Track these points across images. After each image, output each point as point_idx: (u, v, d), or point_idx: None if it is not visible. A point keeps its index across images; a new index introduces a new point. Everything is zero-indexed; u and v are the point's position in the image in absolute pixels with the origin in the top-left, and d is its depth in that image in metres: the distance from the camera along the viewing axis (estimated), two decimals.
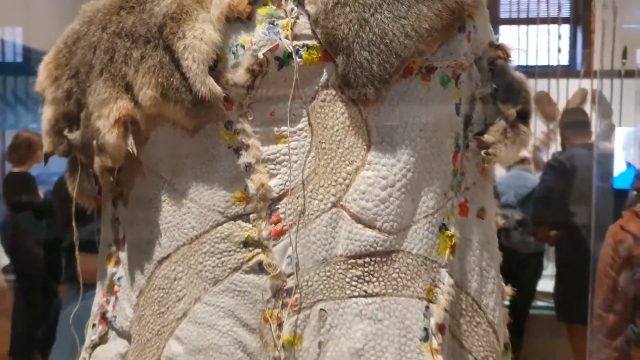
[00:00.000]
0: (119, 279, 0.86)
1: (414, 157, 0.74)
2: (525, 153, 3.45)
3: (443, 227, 0.76)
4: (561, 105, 4.61)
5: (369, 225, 0.74)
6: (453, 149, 0.77)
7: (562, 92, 4.52)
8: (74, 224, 0.84)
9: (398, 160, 0.74)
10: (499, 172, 3.75)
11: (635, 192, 2.45)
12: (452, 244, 0.76)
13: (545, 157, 4.62)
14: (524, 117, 0.79)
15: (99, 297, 0.88)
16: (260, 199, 0.75)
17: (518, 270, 3.11)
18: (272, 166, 0.75)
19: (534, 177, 3.38)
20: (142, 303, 0.81)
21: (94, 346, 0.86)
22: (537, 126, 4.69)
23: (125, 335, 0.85)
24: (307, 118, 0.75)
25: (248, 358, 0.75)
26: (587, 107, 4.25)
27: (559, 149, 4.54)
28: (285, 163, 0.75)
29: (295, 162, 0.75)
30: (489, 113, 0.79)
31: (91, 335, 0.87)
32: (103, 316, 0.86)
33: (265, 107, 0.75)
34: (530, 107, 0.80)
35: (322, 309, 0.74)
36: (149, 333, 0.80)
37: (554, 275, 3.47)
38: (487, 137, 0.77)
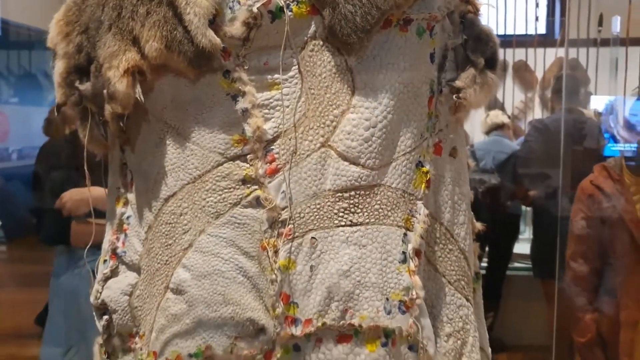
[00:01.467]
0: (127, 217, 0.94)
1: (394, 100, 0.83)
2: (505, 119, 3.56)
3: (419, 164, 0.86)
4: (539, 74, 4.72)
5: (354, 162, 0.83)
6: (428, 94, 0.87)
7: (540, 60, 4.63)
8: (86, 169, 0.92)
9: (379, 104, 0.83)
10: (479, 137, 3.86)
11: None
12: (427, 179, 0.86)
13: (524, 125, 4.74)
14: (491, 65, 0.88)
15: (109, 235, 0.97)
16: (256, 140, 0.84)
17: (495, 233, 3.25)
18: (266, 111, 0.84)
19: (511, 143, 3.50)
20: (151, 237, 0.90)
21: (106, 279, 0.95)
22: (516, 95, 4.80)
23: (135, 268, 0.94)
24: (297, 67, 0.83)
25: (248, 281, 0.85)
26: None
27: (537, 116, 4.66)
28: (278, 108, 0.84)
29: (287, 106, 0.84)
30: (460, 61, 0.88)
31: (103, 269, 0.95)
32: (113, 252, 0.95)
33: (260, 57, 0.83)
34: (497, 56, 0.89)
35: (313, 237, 0.84)
36: (157, 263, 0.89)
37: (531, 238, 3.63)
38: (458, 83, 0.87)
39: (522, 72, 4.75)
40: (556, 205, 2.74)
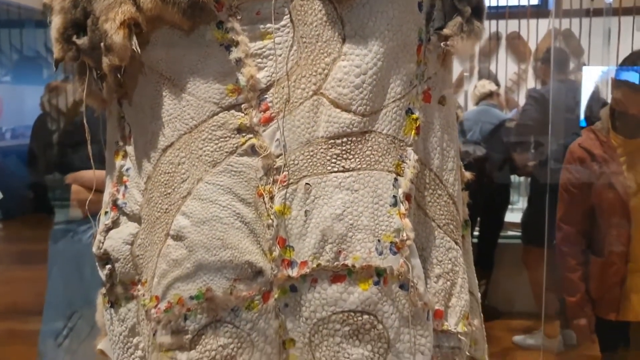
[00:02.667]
0: (127, 170, 0.97)
1: (383, 47, 0.86)
2: (492, 87, 3.58)
3: (409, 111, 0.89)
4: (532, 45, 4.73)
5: (345, 109, 0.86)
6: (417, 42, 0.89)
7: (533, 32, 4.64)
8: (85, 123, 0.94)
9: (369, 51, 0.85)
10: (468, 107, 3.89)
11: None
12: (417, 125, 0.89)
13: (517, 97, 4.77)
14: (477, 13, 0.91)
15: (109, 188, 1.00)
16: (250, 89, 0.87)
17: (485, 203, 3.30)
18: (259, 60, 0.87)
19: (500, 112, 3.53)
20: (150, 187, 0.93)
21: (108, 230, 0.98)
22: (509, 66, 4.82)
23: (135, 218, 0.97)
24: (289, 16, 0.86)
25: (245, 227, 0.88)
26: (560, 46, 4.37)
27: (530, 87, 4.67)
28: (271, 57, 0.86)
29: (280, 55, 0.86)
30: (447, 10, 0.90)
31: (104, 220, 0.98)
32: (114, 203, 0.98)
33: (252, 7, 0.86)
34: (483, 5, 0.91)
35: (307, 183, 0.87)
36: (157, 212, 0.92)
37: (523, 208, 3.69)
38: (445, 31, 0.89)
39: (516, 43, 4.76)
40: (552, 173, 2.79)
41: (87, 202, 1.07)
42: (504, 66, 4.68)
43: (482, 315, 1.06)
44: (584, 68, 4.01)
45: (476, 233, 3.45)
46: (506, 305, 3.55)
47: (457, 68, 4.65)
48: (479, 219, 3.44)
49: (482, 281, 3.41)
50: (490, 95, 3.52)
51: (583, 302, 2.14)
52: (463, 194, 1.02)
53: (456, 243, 0.95)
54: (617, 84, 2.07)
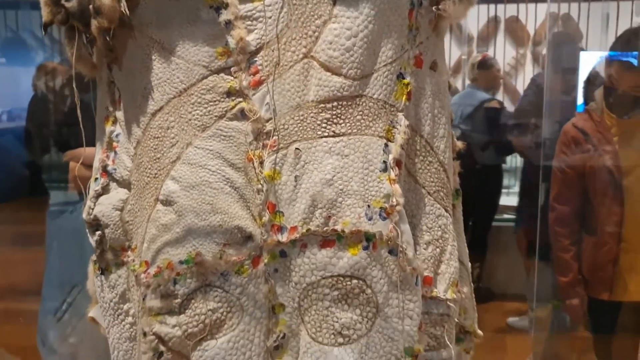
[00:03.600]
0: (116, 135, 0.97)
1: (374, 10, 0.85)
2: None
3: (400, 76, 0.88)
4: (531, 30, 4.71)
5: (336, 72, 0.85)
6: (409, 6, 0.88)
7: (532, 16, 4.61)
8: (75, 87, 0.93)
9: (360, 13, 0.84)
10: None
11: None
12: (408, 91, 0.89)
13: (515, 82, 4.76)
14: None
15: (99, 154, 1.00)
16: (240, 52, 0.86)
17: (478, 185, 3.30)
18: (249, 22, 0.86)
19: (482, 94, 3.49)
20: (140, 152, 0.93)
21: (98, 196, 0.98)
22: (507, 51, 4.80)
23: (125, 184, 0.97)
24: None
25: (235, 192, 0.88)
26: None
27: (529, 73, 4.66)
28: (260, 19, 0.85)
29: (270, 17, 0.85)
30: None
31: (94, 187, 0.98)
32: (104, 169, 0.97)
33: None
34: None
35: (297, 148, 0.87)
36: (147, 177, 0.92)
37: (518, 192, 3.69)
38: None
39: (514, 27, 4.74)
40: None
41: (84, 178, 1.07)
42: (502, 50, 4.67)
43: (472, 284, 1.06)
44: (582, 53, 4.00)
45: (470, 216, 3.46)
46: (500, 287, 3.57)
47: (455, 52, 4.64)
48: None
49: (475, 264, 3.41)
50: (474, 80, 3.50)
51: (575, 282, 2.15)
52: (454, 163, 1.02)
53: (446, 210, 0.95)
54: (610, 61, 2.07)
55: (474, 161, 3.24)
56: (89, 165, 1.07)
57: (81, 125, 0.94)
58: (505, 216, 3.63)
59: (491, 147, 3.28)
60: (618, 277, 2.06)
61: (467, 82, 3.77)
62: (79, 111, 0.93)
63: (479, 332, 1.06)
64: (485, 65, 3.54)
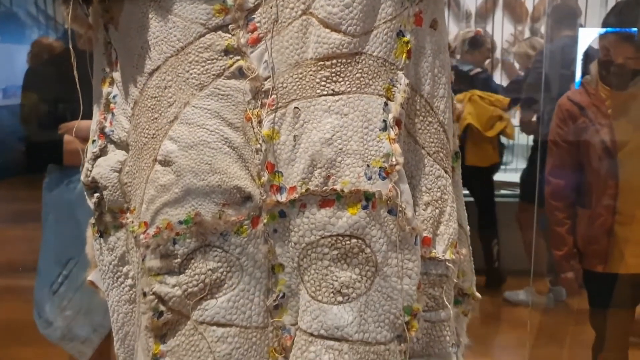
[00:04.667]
0: (114, 97, 0.96)
1: None
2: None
3: (400, 34, 0.87)
4: (529, 6, 4.68)
5: (335, 29, 0.84)
6: None
7: None
8: (70, 47, 0.92)
9: None
10: None
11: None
12: (408, 49, 0.88)
13: (512, 59, 4.73)
14: None
15: (96, 116, 0.99)
16: (238, 9, 0.85)
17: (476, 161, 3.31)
18: None
19: (466, 65, 3.45)
20: (137, 113, 0.92)
21: (96, 158, 0.97)
22: (506, 28, 4.77)
23: (123, 146, 0.96)
24: None
25: (234, 152, 0.87)
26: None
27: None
28: None
29: None
30: None
31: (92, 149, 0.98)
32: (102, 131, 0.97)
33: None
34: None
35: (296, 107, 0.86)
36: (144, 138, 0.91)
37: (517, 168, 3.70)
38: None
39: (512, 4, 4.70)
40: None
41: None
42: (501, 27, 4.63)
43: (470, 247, 1.07)
44: (580, 30, 3.98)
45: (467, 191, 3.47)
46: (501, 262, 3.59)
47: (452, 30, 4.60)
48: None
49: (494, 241, 3.42)
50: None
51: (570, 255, 2.16)
52: (454, 125, 1.01)
53: (445, 171, 0.94)
54: (604, 34, 2.06)
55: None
56: (84, 139, 1.07)
57: (80, 96, 0.93)
58: (503, 192, 3.64)
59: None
60: (613, 249, 2.07)
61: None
62: (75, 73, 0.92)
63: (477, 294, 1.07)
64: (476, 44, 3.51)
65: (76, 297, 1.92)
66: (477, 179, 3.39)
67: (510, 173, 3.77)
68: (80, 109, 0.98)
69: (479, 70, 3.36)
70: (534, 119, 3.12)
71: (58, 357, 2.63)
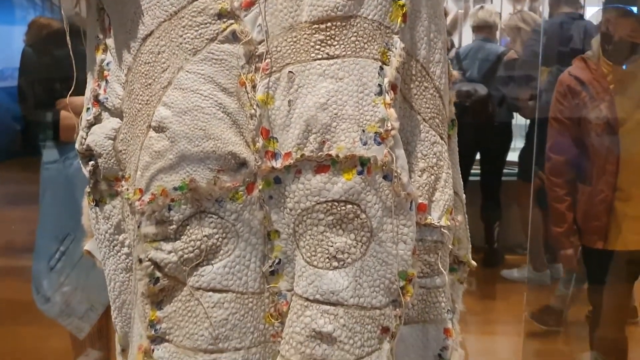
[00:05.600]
0: (107, 64, 0.95)
1: None
2: (496, 19, 3.49)
3: None
4: None
5: None
6: None
7: None
8: (62, 14, 0.91)
9: None
10: (464, 43, 3.83)
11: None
12: (404, 12, 0.87)
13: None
14: None
15: (90, 84, 0.98)
16: None
17: (487, 141, 3.29)
18: None
19: (496, 46, 3.46)
20: (131, 79, 0.91)
21: (90, 125, 0.97)
22: (505, 8, 4.72)
23: (117, 114, 0.96)
24: None
25: (228, 117, 0.87)
26: None
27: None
28: None
29: None
30: None
31: (86, 116, 0.97)
32: (96, 99, 0.96)
33: None
34: None
35: (290, 71, 0.85)
36: (138, 104, 0.91)
37: (515, 147, 3.69)
38: None
39: None
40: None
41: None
42: (499, 7, 4.59)
43: (466, 215, 1.07)
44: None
45: (476, 170, 3.46)
46: (500, 240, 3.60)
47: (451, 8, 4.56)
48: (478, 157, 3.43)
49: (495, 224, 3.42)
50: (490, 27, 3.42)
51: (570, 232, 2.16)
52: (450, 92, 1.01)
53: (441, 138, 0.94)
54: (607, 9, 2.04)
55: (492, 119, 3.22)
56: (79, 114, 1.06)
57: (75, 73, 0.92)
58: (505, 170, 3.64)
59: (507, 101, 3.24)
60: (612, 226, 2.08)
61: (471, 34, 3.68)
62: (69, 41, 0.91)
63: (473, 262, 1.07)
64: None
65: (73, 273, 1.93)
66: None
67: (510, 152, 3.76)
68: (73, 82, 0.98)
69: (514, 56, 3.30)
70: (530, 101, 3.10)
71: (57, 336, 2.65)
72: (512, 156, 3.62)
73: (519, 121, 3.87)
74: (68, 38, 0.90)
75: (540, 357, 2.58)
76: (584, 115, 2.06)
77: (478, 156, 3.48)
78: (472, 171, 3.43)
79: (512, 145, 3.74)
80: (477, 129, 3.15)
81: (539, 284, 3.04)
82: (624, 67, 2.07)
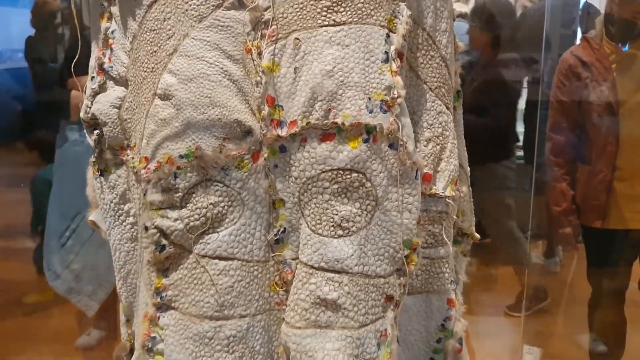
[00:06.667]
0: (112, 32, 0.95)
1: None
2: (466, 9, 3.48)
3: None
4: None
5: None
6: None
7: None
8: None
9: None
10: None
11: None
12: None
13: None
14: None
15: (95, 53, 0.98)
16: None
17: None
18: None
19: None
20: (136, 47, 0.91)
21: (95, 94, 0.96)
22: None
23: (122, 82, 0.95)
24: None
25: (234, 85, 0.87)
26: None
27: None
28: None
29: None
30: None
31: (91, 85, 0.97)
32: (100, 67, 0.96)
33: None
34: None
35: (296, 38, 0.85)
36: (144, 72, 0.90)
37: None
38: None
39: None
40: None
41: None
42: None
43: (470, 188, 1.07)
44: None
45: None
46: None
47: None
48: None
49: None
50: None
51: (569, 211, 2.16)
52: (456, 64, 1.00)
53: (447, 107, 0.94)
54: None
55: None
56: None
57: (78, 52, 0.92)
58: None
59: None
60: (611, 205, 2.08)
61: None
62: (74, 16, 0.90)
63: (477, 235, 1.08)
64: None
65: (82, 251, 1.94)
66: None
67: None
68: (76, 58, 0.97)
69: None
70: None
71: (59, 316, 2.67)
72: None
73: (520, 105, 3.86)
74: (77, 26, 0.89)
75: (540, 338, 2.60)
76: (585, 95, 2.05)
77: None
78: None
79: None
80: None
81: (548, 270, 3.05)
82: (626, 47, 2.06)
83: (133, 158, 0.94)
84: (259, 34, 0.85)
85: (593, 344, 2.37)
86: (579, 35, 2.90)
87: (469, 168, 1.06)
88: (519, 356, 2.48)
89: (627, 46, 2.11)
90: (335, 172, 0.86)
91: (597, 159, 2.07)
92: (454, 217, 0.98)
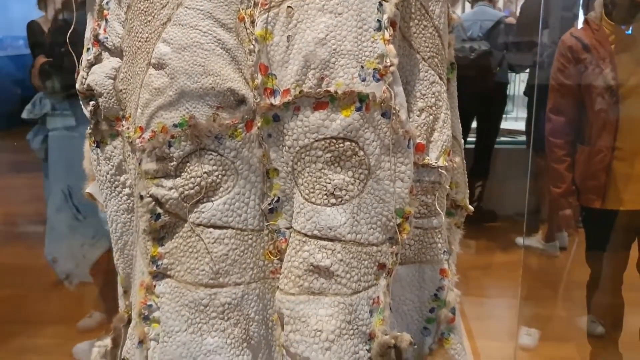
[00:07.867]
0: (107, 2, 0.95)
1: None
2: None
3: None
4: None
5: None
6: None
7: None
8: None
9: None
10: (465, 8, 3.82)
11: None
12: None
13: (514, 7, 4.65)
14: None
15: (90, 25, 0.98)
16: None
17: (483, 103, 3.30)
18: None
19: (496, 11, 3.45)
20: (131, 17, 0.91)
21: (90, 65, 0.97)
22: None
23: (117, 53, 0.96)
24: None
25: (227, 54, 0.87)
26: None
27: None
28: None
29: None
30: None
31: (86, 57, 0.97)
32: (96, 39, 0.96)
33: None
34: None
35: (289, 6, 0.85)
36: (138, 42, 0.91)
37: (517, 117, 3.69)
38: None
39: None
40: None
41: None
42: None
43: (464, 160, 1.07)
44: None
45: (471, 139, 3.48)
46: (501, 208, 3.62)
47: None
48: (474, 124, 3.45)
49: (477, 184, 3.46)
50: None
51: (569, 192, 2.17)
52: (450, 36, 1.01)
53: (440, 78, 0.94)
54: None
55: (492, 75, 3.23)
56: None
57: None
58: (503, 139, 3.65)
59: (504, 63, 3.26)
60: (610, 186, 2.08)
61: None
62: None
63: (470, 207, 1.08)
64: None
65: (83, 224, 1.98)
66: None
67: (510, 122, 3.77)
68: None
69: (513, 22, 3.34)
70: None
71: (61, 299, 2.69)
72: (511, 124, 3.63)
73: (521, 91, 3.87)
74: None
75: (537, 321, 2.62)
76: (585, 76, 2.05)
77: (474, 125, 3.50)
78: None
79: (515, 115, 3.74)
80: (478, 85, 3.16)
81: (548, 254, 3.06)
82: (629, 31, 2.06)
83: (128, 128, 0.95)
84: (252, 2, 0.86)
85: (591, 326, 2.38)
86: (581, 18, 2.89)
87: (462, 140, 1.07)
88: (515, 338, 2.50)
89: (630, 29, 2.10)
90: (328, 141, 0.86)
91: (597, 139, 2.06)
92: (447, 187, 0.98)
